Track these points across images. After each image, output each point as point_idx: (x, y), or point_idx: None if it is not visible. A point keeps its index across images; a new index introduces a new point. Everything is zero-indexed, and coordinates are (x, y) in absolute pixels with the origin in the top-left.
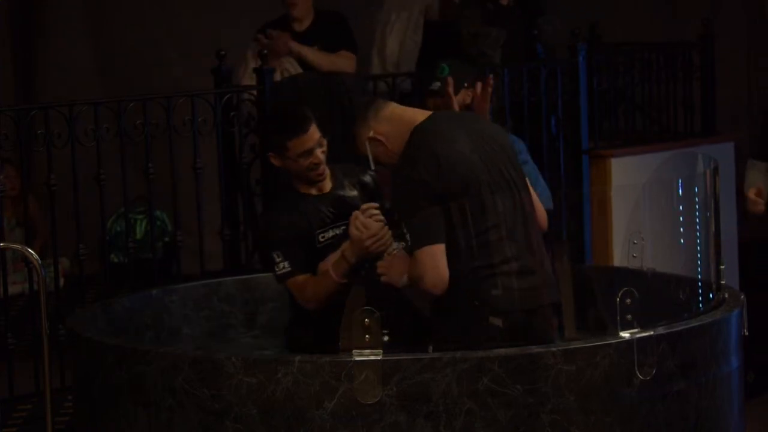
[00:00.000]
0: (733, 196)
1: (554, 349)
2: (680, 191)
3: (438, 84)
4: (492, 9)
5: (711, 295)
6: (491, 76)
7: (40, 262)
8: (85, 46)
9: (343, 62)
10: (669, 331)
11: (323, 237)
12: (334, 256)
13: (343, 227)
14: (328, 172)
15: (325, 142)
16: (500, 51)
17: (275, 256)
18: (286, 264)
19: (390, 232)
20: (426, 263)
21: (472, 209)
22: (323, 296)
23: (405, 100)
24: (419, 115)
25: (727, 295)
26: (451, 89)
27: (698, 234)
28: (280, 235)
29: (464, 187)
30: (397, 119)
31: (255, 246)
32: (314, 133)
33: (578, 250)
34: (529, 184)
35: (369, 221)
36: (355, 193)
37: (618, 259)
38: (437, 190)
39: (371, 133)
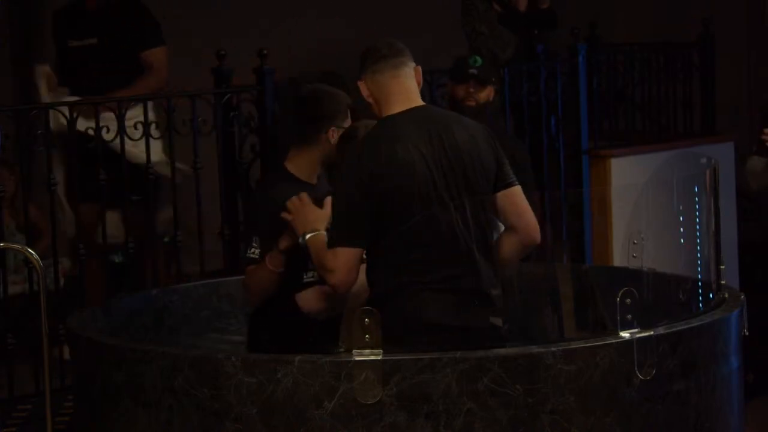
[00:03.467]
0: (733, 196)
1: (554, 349)
2: (680, 191)
3: (475, 70)
4: (500, 11)
5: (711, 295)
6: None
7: (40, 262)
8: None
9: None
10: (669, 331)
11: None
12: None
13: None
14: None
15: None
16: (510, 53)
17: (254, 239)
18: (257, 252)
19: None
20: (340, 262)
21: (407, 225)
22: (257, 287)
23: None
24: (401, 102)
25: (727, 295)
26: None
27: (698, 234)
28: (268, 223)
29: (403, 196)
30: (387, 91)
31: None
32: None
33: (578, 250)
34: (517, 200)
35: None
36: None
37: (618, 259)
38: (374, 192)
39: (361, 85)
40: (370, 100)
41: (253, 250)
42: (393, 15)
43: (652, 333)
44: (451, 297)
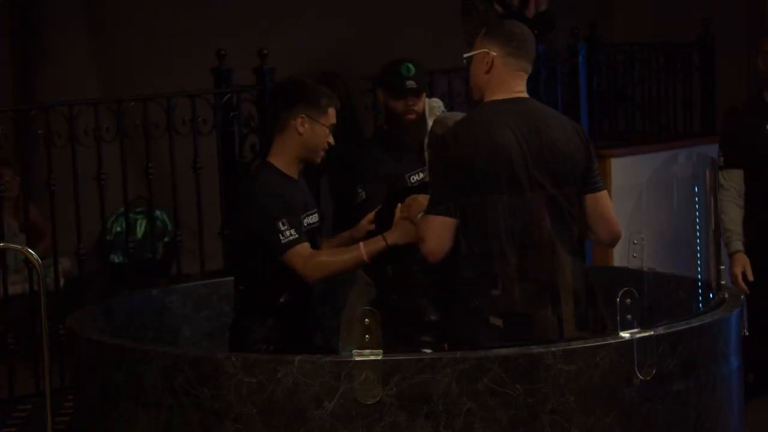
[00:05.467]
0: None
1: (554, 349)
2: (680, 191)
3: (413, 82)
4: (500, 12)
5: (711, 295)
6: None
7: (40, 262)
8: (85, 46)
9: None
10: (669, 331)
11: (306, 222)
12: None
13: (315, 214)
14: None
15: None
16: None
17: (280, 224)
18: (292, 231)
19: None
20: (431, 230)
21: (483, 212)
22: (335, 269)
23: None
24: (507, 91)
25: (727, 295)
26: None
27: (698, 234)
28: (286, 204)
29: (494, 177)
30: (504, 78)
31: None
32: None
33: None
34: (602, 204)
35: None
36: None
37: (618, 259)
38: (465, 172)
39: (481, 41)
40: (486, 65)
41: (288, 231)
42: (393, 15)
43: (652, 333)
44: (529, 287)
